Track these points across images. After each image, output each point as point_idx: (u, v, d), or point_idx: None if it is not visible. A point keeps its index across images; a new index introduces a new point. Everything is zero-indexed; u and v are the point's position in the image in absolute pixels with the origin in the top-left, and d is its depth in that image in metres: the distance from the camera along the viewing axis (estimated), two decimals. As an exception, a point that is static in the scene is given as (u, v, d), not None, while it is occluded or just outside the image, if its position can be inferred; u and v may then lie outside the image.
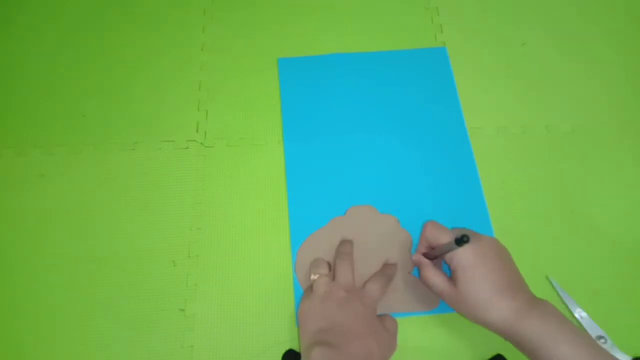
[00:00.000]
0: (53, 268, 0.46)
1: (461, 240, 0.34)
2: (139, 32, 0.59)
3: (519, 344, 0.35)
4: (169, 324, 0.44)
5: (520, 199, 0.49)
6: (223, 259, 0.46)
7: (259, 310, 0.44)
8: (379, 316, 0.40)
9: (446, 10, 0.60)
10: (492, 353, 0.41)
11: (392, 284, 0.44)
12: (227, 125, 0.53)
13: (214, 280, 0.45)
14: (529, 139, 0.52)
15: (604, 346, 0.41)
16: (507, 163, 0.51)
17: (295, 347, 0.42)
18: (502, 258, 0.38)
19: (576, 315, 0.43)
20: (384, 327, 0.39)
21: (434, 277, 0.39)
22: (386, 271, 0.43)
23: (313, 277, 0.41)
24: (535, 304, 0.36)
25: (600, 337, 0.42)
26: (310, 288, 0.41)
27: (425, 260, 0.41)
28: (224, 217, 0.48)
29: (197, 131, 0.53)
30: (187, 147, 0.52)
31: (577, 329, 0.34)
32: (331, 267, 0.43)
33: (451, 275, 0.38)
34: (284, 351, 0.42)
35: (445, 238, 0.39)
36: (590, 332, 0.42)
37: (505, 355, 0.41)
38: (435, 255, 0.40)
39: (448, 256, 0.38)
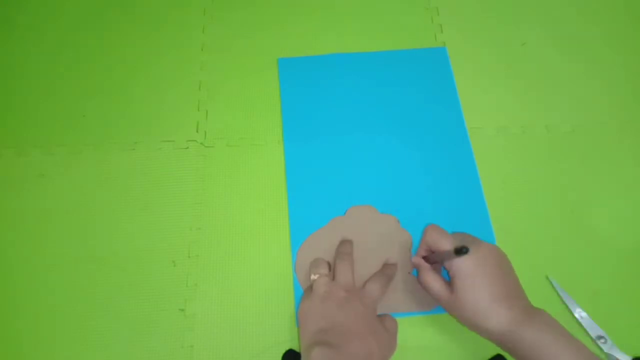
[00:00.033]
0: (53, 268, 0.46)
1: (460, 252, 0.34)
2: (139, 32, 0.59)
3: (515, 353, 0.35)
4: (169, 324, 0.44)
5: (520, 199, 0.49)
6: (223, 259, 0.46)
7: (259, 310, 0.44)
8: (379, 316, 0.40)
9: (446, 10, 0.60)
10: (492, 353, 0.41)
11: (392, 284, 0.44)
12: (227, 125, 0.53)
13: (214, 280, 0.45)
14: (529, 139, 0.52)
15: (604, 346, 0.41)
16: (507, 163, 0.51)
17: (295, 347, 0.42)
18: (502, 266, 0.38)
19: (576, 315, 0.43)
20: (384, 327, 0.39)
21: (433, 282, 0.39)
22: (386, 271, 0.43)
23: (313, 277, 0.41)
24: (532, 313, 0.36)
25: (600, 337, 0.42)
26: (310, 288, 0.41)
27: (425, 264, 0.41)
28: (224, 217, 0.48)
29: (197, 131, 0.53)
30: (187, 147, 0.52)
31: (574, 338, 0.34)
32: (331, 267, 0.43)
33: (450, 281, 0.38)
34: (284, 351, 0.42)
35: (446, 243, 0.39)
36: (590, 332, 0.42)
37: (505, 355, 0.41)
38: (434, 260, 0.40)
39: (447, 262, 0.38)
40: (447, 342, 0.42)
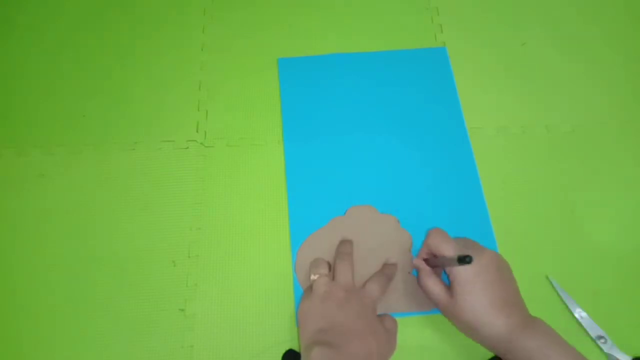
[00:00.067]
0: (53, 268, 0.46)
1: (464, 260, 0.34)
2: (139, 32, 0.59)
3: None
4: (169, 324, 0.44)
5: (520, 199, 0.49)
6: (223, 259, 0.46)
7: (259, 310, 0.44)
8: (379, 316, 0.40)
9: (446, 10, 0.60)
10: (492, 354, 0.41)
11: (392, 284, 0.44)
12: (227, 125, 0.53)
13: (214, 280, 0.45)
14: (529, 139, 0.52)
15: (604, 346, 0.41)
16: (507, 163, 0.51)
17: (295, 347, 0.42)
18: (503, 274, 0.38)
19: (576, 315, 0.43)
20: (384, 327, 0.39)
21: (433, 285, 0.39)
22: (386, 271, 0.43)
23: (313, 277, 0.41)
24: (530, 321, 0.36)
25: (600, 337, 0.42)
26: (310, 288, 0.41)
27: (425, 267, 0.41)
28: (224, 217, 0.48)
29: (197, 131, 0.53)
30: (187, 147, 0.52)
31: (571, 347, 0.34)
32: (331, 267, 0.43)
33: (449, 285, 0.38)
34: (284, 351, 0.42)
35: (448, 248, 0.39)
36: (590, 332, 0.42)
37: (505, 355, 0.41)
38: (436, 264, 0.40)
39: (448, 267, 0.38)
40: (446, 342, 0.42)
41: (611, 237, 0.47)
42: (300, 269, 0.45)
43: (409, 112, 0.53)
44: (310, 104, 0.53)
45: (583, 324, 0.42)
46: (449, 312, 0.38)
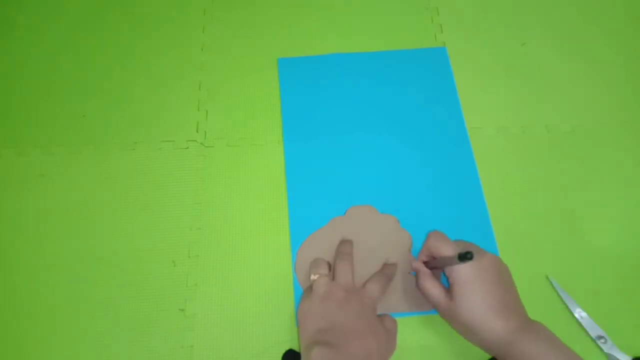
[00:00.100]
0: (53, 268, 0.46)
1: (464, 257, 0.34)
2: (139, 32, 0.59)
3: None
4: (169, 324, 0.44)
5: (520, 199, 0.49)
6: (223, 259, 0.46)
7: (259, 310, 0.44)
8: (379, 316, 0.40)
9: (446, 10, 0.60)
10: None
11: (392, 284, 0.44)
12: (227, 125, 0.53)
13: (214, 280, 0.45)
14: (529, 139, 0.52)
15: (604, 346, 0.41)
16: (507, 163, 0.51)
17: (295, 347, 0.42)
18: (502, 277, 0.38)
19: (576, 315, 0.43)
20: (384, 327, 0.39)
21: (432, 287, 0.39)
22: (386, 271, 0.43)
23: (313, 277, 0.41)
24: (529, 326, 0.36)
25: (600, 337, 0.42)
26: (310, 288, 0.41)
27: (424, 269, 0.41)
28: (224, 217, 0.48)
29: (197, 131, 0.53)
30: (187, 147, 0.52)
31: (571, 351, 0.34)
32: (331, 267, 0.43)
33: (449, 288, 0.38)
34: (284, 351, 0.42)
35: (448, 250, 0.39)
36: (590, 332, 0.42)
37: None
38: (435, 265, 0.40)
39: (448, 268, 0.38)
40: (446, 342, 0.42)
41: (611, 237, 0.47)
42: (300, 269, 0.45)
43: (409, 112, 0.53)
44: (310, 104, 0.53)
45: (583, 324, 0.42)
46: (447, 315, 0.38)
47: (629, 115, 0.53)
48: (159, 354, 0.43)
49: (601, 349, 0.41)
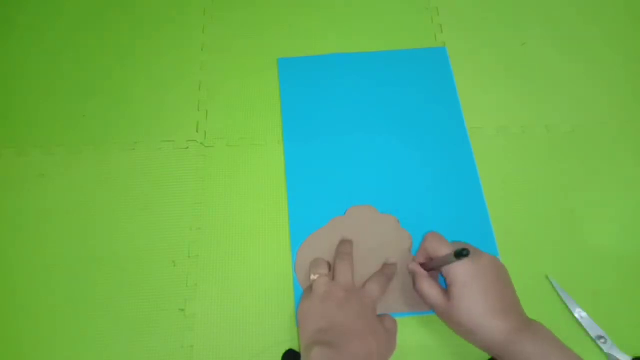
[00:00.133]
0: (53, 268, 0.46)
1: (461, 254, 0.34)
2: (139, 32, 0.59)
3: None
4: (169, 324, 0.44)
5: (520, 199, 0.49)
6: (223, 259, 0.46)
7: (259, 310, 0.44)
8: (379, 316, 0.40)
9: (446, 10, 0.60)
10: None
11: (392, 284, 0.44)
12: (227, 125, 0.53)
13: (214, 280, 0.45)
14: (529, 139, 0.52)
15: (604, 346, 0.41)
16: (507, 163, 0.51)
17: (295, 347, 0.42)
18: (500, 277, 0.38)
19: (576, 315, 0.43)
20: (384, 327, 0.39)
21: (429, 288, 0.39)
22: (386, 271, 0.43)
23: (313, 277, 0.41)
24: (528, 325, 0.36)
25: (600, 337, 0.42)
26: (310, 288, 0.41)
27: (422, 271, 0.41)
28: (224, 217, 0.48)
29: (197, 131, 0.53)
30: (187, 147, 0.52)
31: (570, 351, 0.34)
32: (331, 267, 0.43)
33: (447, 289, 0.38)
34: (284, 351, 0.42)
35: (445, 251, 0.39)
36: (590, 332, 0.42)
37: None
38: (432, 266, 0.40)
39: (445, 269, 0.38)
40: (446, 342, 0.42)
41: (611, 237, 0.47)
42: (300, 269, 0.45)
43: (409, 112, 0.53)
44: (310, 104, 0.53)
45: (583, 324, 0.42)
46: (446, 316, 0.38)
47: (629, 115, 0.53)
48: (159, 354, 0.43)
49: (601, 349, 0.41)
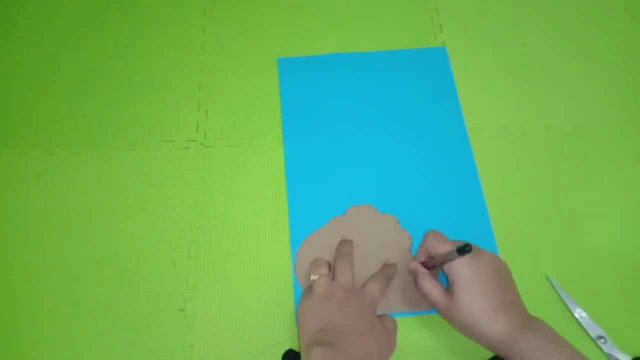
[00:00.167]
0: (53, 268, 0.46)
1: (463, 250, 0.34)
2: (139, 32, 0.59)
3: None
4: (169, 324, 0.44)
5: (520, 199, 0.49)
6: (223, 259, 0.46)
7: (259, 310, 0.44)
8: (379, 316, 0.40)
9: (446, 10, 0.60)
10: (492, 354, 0.41)
11: (392, 284, 0.44)
12: (227, 125, 0.53)
13: (214, 280, 0.45)
14: (529, 139, 0.52)
15: (604, 346, 0.41)
16: (507, 163, 0.51)
17: (295, 347, 0.42)
18: (502, 275, 0.38)
19: (576, 315, 0.43)
20: (384, 327, 0.39)
21: (430, 287, 0.39)
22: (386, 271, 0.43)
23: (313, 277, 0.41)
24: (530, 322, 0.36)
25: (600, 337, 0.42)
26: (310, 288, 0.41)
27: (422, 270, 0.41)
28: (224, 217, 0.48)
29: (197, 131, 0.53)
30: (187, 147, 0.52)
31: (572, 347, 0.34)
32: (331, 267, 0.43)
33: (448, 287, 0.38)
34: (284, 351, 0.42)
35: (446, 249, 0.39)
36: (590, 332, 0.42)
37: (505, 355, 0.41)
38: (434, 264, 0.40)
39: (447, 267, 0.38)
40: (446, 342, 0.42)
41: (611, 237, 0.47)
42: (300, 269, 0.45)
43: (409, 112, 0.53)
44: (310, 104, 0.53)
45: (583, 324, 0.42)
46: (447, 314, 0.38)
47: (629, 115, 0.53)
48: (159, 354, 0.43)
49: (601, 349, 0.41)
